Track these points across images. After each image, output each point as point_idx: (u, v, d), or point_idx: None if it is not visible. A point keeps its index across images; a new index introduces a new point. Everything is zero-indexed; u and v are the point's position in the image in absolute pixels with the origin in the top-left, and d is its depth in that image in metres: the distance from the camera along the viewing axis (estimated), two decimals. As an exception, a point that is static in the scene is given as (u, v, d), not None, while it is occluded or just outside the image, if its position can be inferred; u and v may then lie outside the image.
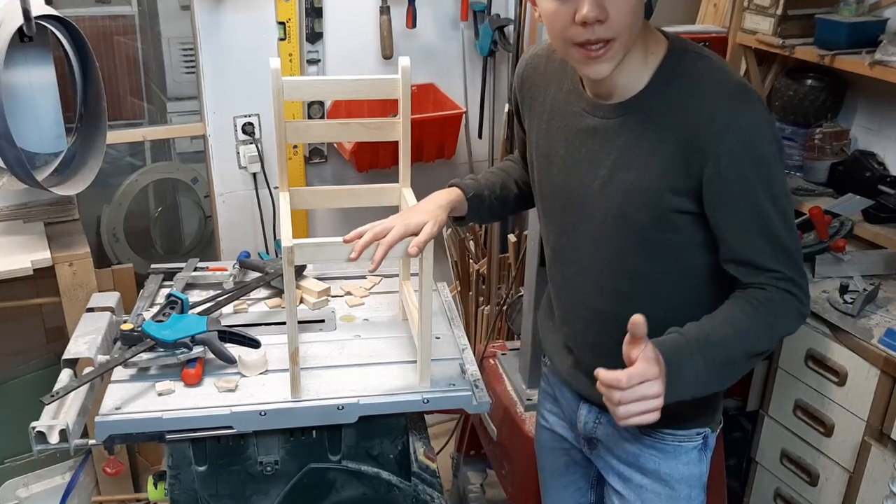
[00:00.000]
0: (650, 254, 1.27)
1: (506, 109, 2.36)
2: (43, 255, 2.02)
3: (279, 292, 1.85)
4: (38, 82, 2.04)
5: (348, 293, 1.89)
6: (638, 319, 1.09)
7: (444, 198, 1.45)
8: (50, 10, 1.96)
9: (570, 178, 1.33)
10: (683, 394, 1.18)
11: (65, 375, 1.55)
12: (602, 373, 1.12)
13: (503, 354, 2.30)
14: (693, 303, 1.29)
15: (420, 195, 1.52)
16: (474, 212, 1.51)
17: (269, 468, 1.54)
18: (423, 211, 1.40)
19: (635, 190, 1.23)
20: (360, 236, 1.35)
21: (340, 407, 1.49)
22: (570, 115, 1.32)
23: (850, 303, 1.97)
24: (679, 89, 1.20)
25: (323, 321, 1.77)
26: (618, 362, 1.38)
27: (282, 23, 2.44)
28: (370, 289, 1.91)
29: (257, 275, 1.89)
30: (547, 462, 1.67)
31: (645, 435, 1.42)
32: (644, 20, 1.21)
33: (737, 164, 1.16)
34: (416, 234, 1.35)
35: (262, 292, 1.87)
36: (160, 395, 1.51)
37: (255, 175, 2.59)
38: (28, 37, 1.91)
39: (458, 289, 2.77)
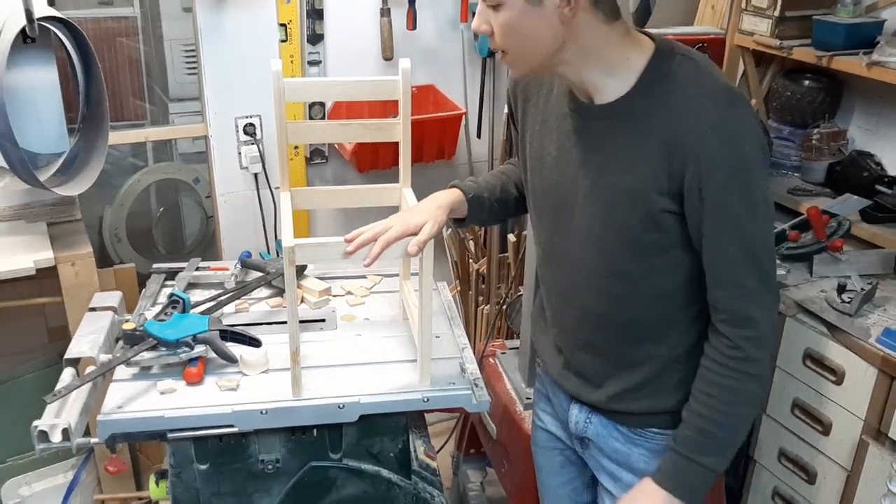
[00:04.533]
0: (639, 254, 1.28)
1: (505, 110, 2.37)
2: (45, 255, 2.03)
3: (280, 292, 1.86)
4: (40, 83, 2.05)
5: (349, 293, 1.90)
6: None
7: (445, 198, 1.46)
8: (52, 12, 1.97)
9: (560, 179, 1.34)
10: (703, 487, 1.32)
11: (67, 374, 1.56)
12: None
13: (503, 353, 2.30)
14: (682, 302, 1.32)
15: (420, 195, 1.53)
16: (474, 213, 1.52)
17: (270, 466, 1.55)
18: (423, 211, 1.41)
19: (622, 192, 1.24)
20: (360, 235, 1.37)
21: (341, 406, 1.50)
22: (560, 116, 1.33)
23: (848, 302, 1.98)
24: (665, 91, 1.20)
25: (324, 320, 1.78)
26: (607, 362, 1.40)
27: (283, 24, 2.45)
28: (371, 288, 1.92)
29: (258, 274, 1.90)
30: (543, 462, 1.68)
31: (635, 435, 1.43)
32: (622, 24, 1.22)
33: (718, 169, 1.16)
34: (415, 233, 1.36)
35: (263, 292, 1.88)
36: (162, 394, 1.52)
37: (256, 175, 2.59)
38: (31, 38, 1.91)
39: (458, 288, 2.78)
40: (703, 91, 1.19)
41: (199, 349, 1.57)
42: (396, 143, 1.66)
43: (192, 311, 1.69)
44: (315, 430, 1.55)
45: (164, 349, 1.56)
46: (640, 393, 1.38)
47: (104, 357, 1.60)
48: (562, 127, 1.33)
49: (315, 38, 2.52)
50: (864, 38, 2.27)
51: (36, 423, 1.43)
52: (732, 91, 1.20)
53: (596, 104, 1.26)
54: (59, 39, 2.05)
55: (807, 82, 2.53)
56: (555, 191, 1.36)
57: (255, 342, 1.59)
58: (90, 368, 1.56)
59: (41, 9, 1.93)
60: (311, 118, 2.59)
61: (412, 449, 1.61)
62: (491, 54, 2.66)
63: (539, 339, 1.58)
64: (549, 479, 1.67)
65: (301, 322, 1.55)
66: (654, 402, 1.39)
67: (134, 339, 1.57)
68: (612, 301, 1.34)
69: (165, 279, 1.94)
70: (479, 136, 2.79)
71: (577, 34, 1.19)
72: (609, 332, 1.38)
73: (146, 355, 1.56)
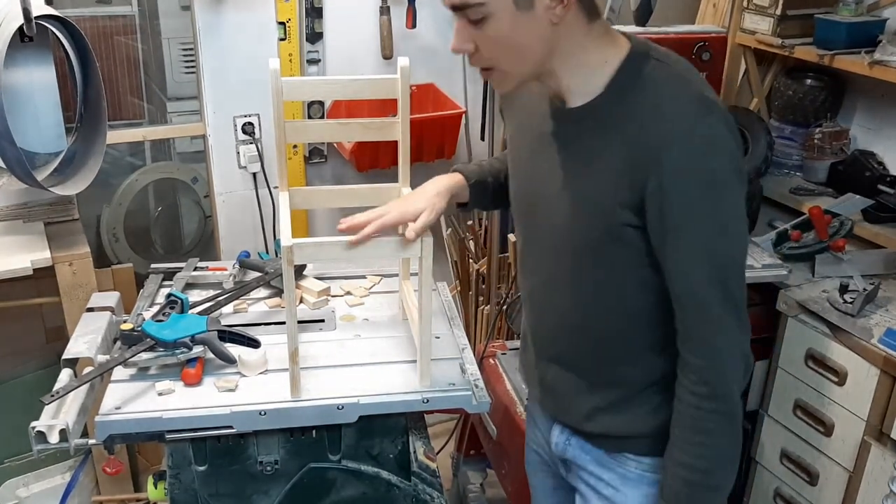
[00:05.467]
0: (604, 268, 1.22)
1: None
2: (43, 255, 2.02)
3: (279, 292, 1.85)
4: (38, 82, 2.05)
5: (348, 293, 1.89)
6: None
7: (445, 183, 1.43)
8: (50, 11, 1.96)
9: (531, 183, 1.30)
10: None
11: (65, 375, 1.55)
12: None
13: (503, 354, 2.30)
14: (655, 322, 1.24)
15: (420, 195, 1.52)
16: (477, 199, 1.48)
17: (269, 468, 1.54)
18: (421, 198, 1.38)
19: (586, 201, 1.19)
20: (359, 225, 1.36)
21: (340, 406, 1.50)
22: (536, 116, 1.28)
23: (850, 302, 1.97)
24: (634, 97, 1.13)
25: (323, 321, 1.77)
26: (579, 379, 1.34)
27: (282, 23, 2.44)
28: (370, 288, 1.91)
29: (257, 274, 1.89)
30: (536, 482, 1.63)
31: (609, 458, 1.36)
32: (602, 23, 1.16)
33: (681, 181, 1.09)
34: (413, 220, 1.35)
35: (261, 292, 1.87)
36: (160, 394, 1.51)
37: (254, 175, 2.59)
38: (28, 37, 1.91)
39: (458, 289, 2.77)
40: (672, 98, 1.11)
41: (197, 350, 1.56)
42: (396, 143, 1.65)
43: (190, 311, 1.68)
44: (314, 431, 1.54)
45: (162, 350, 1.55)
46: (613, 413, 1.32)
47: (102, 358, 1.59)
48: (535, 129, 1.28)
49: (314, 36, 2.51)
50: (866, 36, 2.27)
51: (33, 423, 1.42)
52: (704, 99, 1.11)
53: (567, 107, 1.20)
54: (57, 38, 2.04)
55: (809, 81, 2.53)
56: (526, 195, 1.32)
57: (253, 343, 1.58)
58: (88, 369, 1.55)
59: (39, 7, 1.92)
60: (309, 117, 2.58)
61: (412, 450, 1.60)
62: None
63: (522, 356, 1.53)
64: (543, 501, 1.62)
65: (300, 322, 1.54)
66: (628, 426, 1.32)
67: (132, 339, 1.56)
68: (580, 315, 1.29)
69: (163, 279, 1.93)
70: (482, 137, 2.77)
71: (563, 37, 1.13)
72: (580, 348, 1.33)
73: (144, 356, 1.55)
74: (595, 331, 1.29)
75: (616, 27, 1.24)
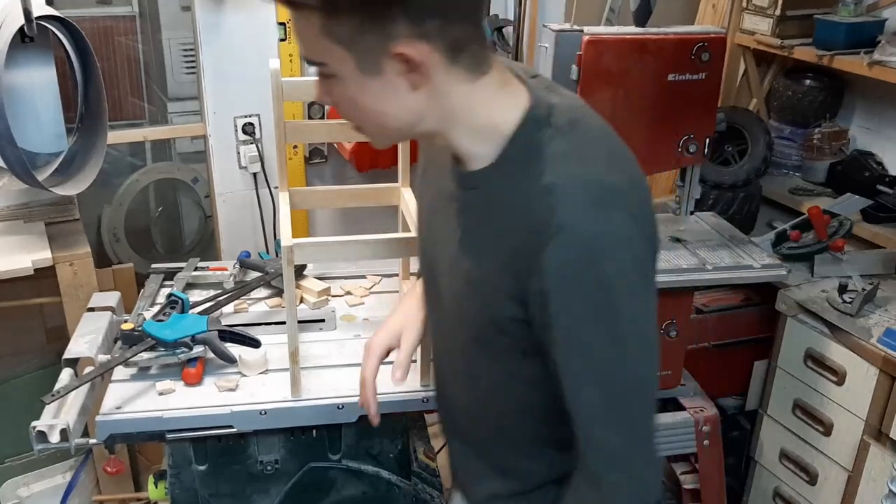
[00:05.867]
0: (493, 358, 1.06)
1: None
2: (43, 255, 2.02)
3: (279, 292, 1.85)
4: (38, 82, 2.05)
5: (348, 293, 1.89)
6: None
7: (418, 291, 1.31)
8: (51, 11, 1.96)
9: (429, 247, 1.16)
10: None
11: (65, 375, 1.55)
12: None
13: (503, 354, 2.29)
14: (554, 415, 1.03)
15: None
16: None
17: (269, 467, 1.55)
18: (396, 321, 1.31)
19: (470, 282, 1.02)
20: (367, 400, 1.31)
21: (340, 406, 1.50)
22: (439, 169, 1.09)
23: (849, 302, 1.98)
24: (522, 174, 0.94)
25: (323, 321, 1.77)
26: (479, 459, 1.20)
27: (282, 23, 2.44)
28: (370, 288, 1.92)
29: (257, 274, 1.90)
30: None
31: None
32: (497, 77, 0.96)
33: (564, 287, 0.90)
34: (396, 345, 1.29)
35: (262, 292, 1.87)
36: (161, 394, 1.51)
37: (255, 175, 2.59)
38: (29, 37, 1.91)
39: (458, 289, 2.77)
40: (564, 183, 0.90)
41: (197, 349, 1.57)
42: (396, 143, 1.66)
43: (190, 311, 1.69)
44: (314, 431, 1.55)
45: (162, 349, 1.56)
46: (512, 501, 1.18)
47: (103, 357, 1.60)
48: (437, 182, 1.10)
49: (314, 37, 2.51)
50: (866, 37, 2.28)
51: (34, 423, 1.42)
52: (602, 185, 0.91)
53: (464, 170, 1.01)
54: (58, 38, 2.04)
55: (808, 82, 2.54)
56: (425, 254, 1.19)
57: (254, 342, 1.58)
58: (89, 369, 1.56)
59: (40, 8, 1.93)
60: (310, 117, 2.58)
61: (412, 449, 1.61)
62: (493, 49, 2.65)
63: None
64: None
65: (300, 322, 1.55)
66: None
67: (132, 339, 1.57)
68: (475, 400, 1.15)
69: (164, 279, 1.93)
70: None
71: (438, 98, 0.94)
72: (478, 432, 1.19)
73: (145, 356, 1.55)
74: (489, 419, 1.15)
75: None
